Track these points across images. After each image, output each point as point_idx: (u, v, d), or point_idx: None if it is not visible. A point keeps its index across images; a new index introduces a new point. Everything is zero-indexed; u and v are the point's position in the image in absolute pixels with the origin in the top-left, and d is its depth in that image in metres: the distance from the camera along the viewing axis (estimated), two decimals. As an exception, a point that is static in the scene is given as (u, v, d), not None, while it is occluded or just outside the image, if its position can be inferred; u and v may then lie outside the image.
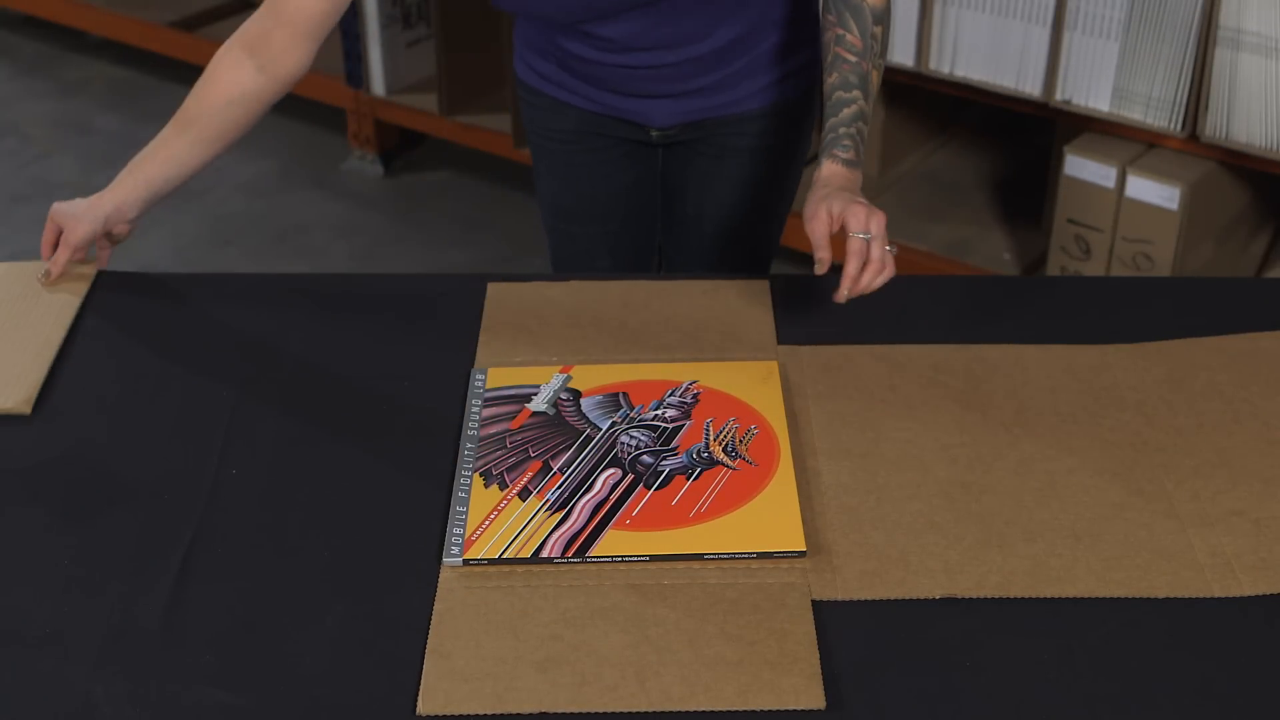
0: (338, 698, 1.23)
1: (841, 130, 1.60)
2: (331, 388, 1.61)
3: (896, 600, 1.33)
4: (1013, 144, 3.43)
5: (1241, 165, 2.72)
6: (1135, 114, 2.71)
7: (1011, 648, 1.28)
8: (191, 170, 1.73)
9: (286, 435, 1.54)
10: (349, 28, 3.69)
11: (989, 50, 2.81)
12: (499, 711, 1.22)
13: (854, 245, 1.52)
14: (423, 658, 1.27)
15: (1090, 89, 2.74)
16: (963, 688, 1.25)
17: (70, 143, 4.06)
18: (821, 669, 1.25)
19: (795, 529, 1.38)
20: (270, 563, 1.37)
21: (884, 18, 1.64)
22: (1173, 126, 2.68)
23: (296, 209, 3.74)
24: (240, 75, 1.70)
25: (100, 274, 1.80)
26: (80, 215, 1.73)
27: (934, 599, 1.33)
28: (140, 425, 1.55)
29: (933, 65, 2.88)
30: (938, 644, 1.29)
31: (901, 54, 2.90)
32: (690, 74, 1.82)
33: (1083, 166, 2.78)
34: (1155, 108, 2.69)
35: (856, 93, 1.61)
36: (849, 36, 1.62)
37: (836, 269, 1.54)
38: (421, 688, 1.23)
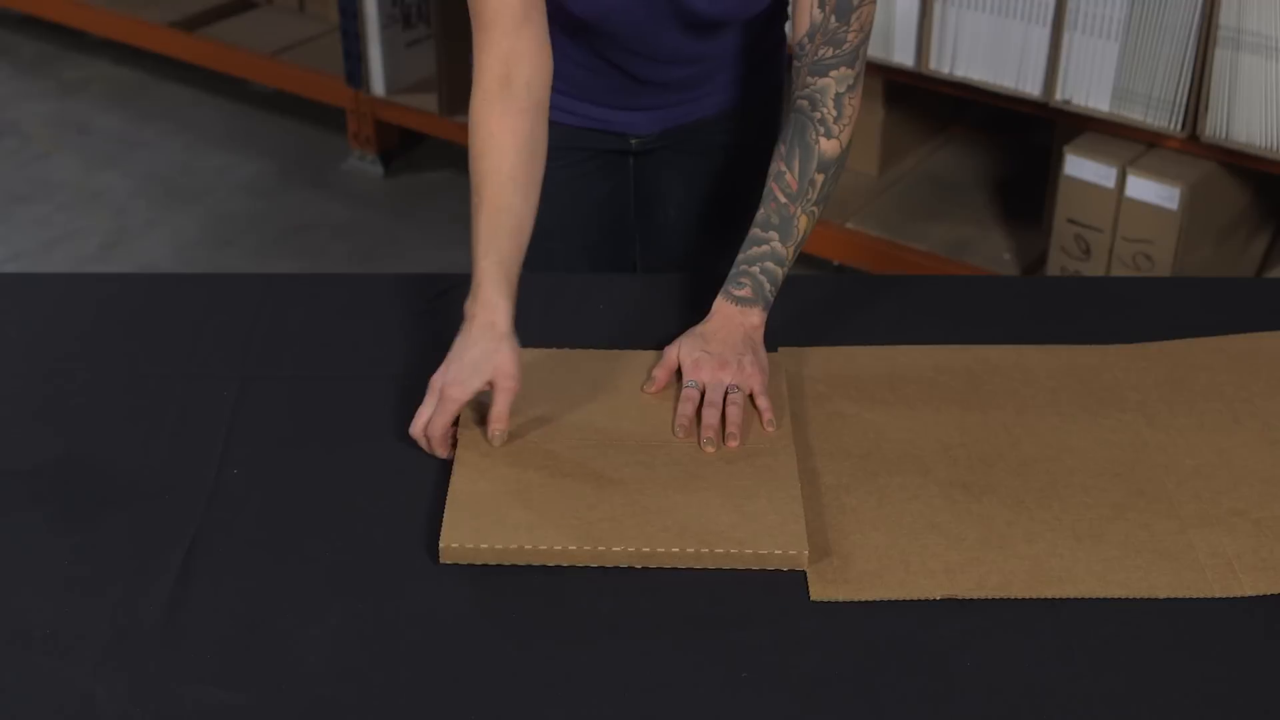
0: (338, 697, 1.24)
1: (743, 267, 1.59)
2: (331, 388, 1.61)
3: (896, 600, 1.33)
4: (1013, 144, 3.43)
5: (1241, 165, 2.72)
6: (1135, 114, 2.71)
7: (1011, 648, 1.29)
8: (529, 236, 1.56)
9: (286, 435, 1.54)
10: (349, 28, 3.70)
11: (989, 50, 2.81)
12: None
13: (684, 393, 1.53)
14: (422, 656, 1.27)
15: (1090, 89, 2.74)
16: (963, 688, 1.25)
17: (70, 143, 4.06)
18: (821, 668, 1.26)
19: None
20: (270, 563, 1.37)
21: (831, 166, 1.61)
22: (1173, 126, 2.68)
23: (296, 209, 3.74)
24: (516, 124, 1.54)
25: (101, 275, 1.79)
26: (510, 370, 1.47)
27: (936, 600, 1.33)
28: (140, 425, 1.55)
29: (933, 65, 2.88)
30: (938, 644, 1.29)
31: (901, 54, 2.90)
32: (693, 83, 1.82)
33: (1083, 166, 2.78)
34: (1155, 108, 2.69)
35: (772, 233, 1.59)
36: (788, 176, 1.60)
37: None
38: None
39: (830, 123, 1.60)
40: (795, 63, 1.63)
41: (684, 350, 1.56)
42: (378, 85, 3.74)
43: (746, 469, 1.45)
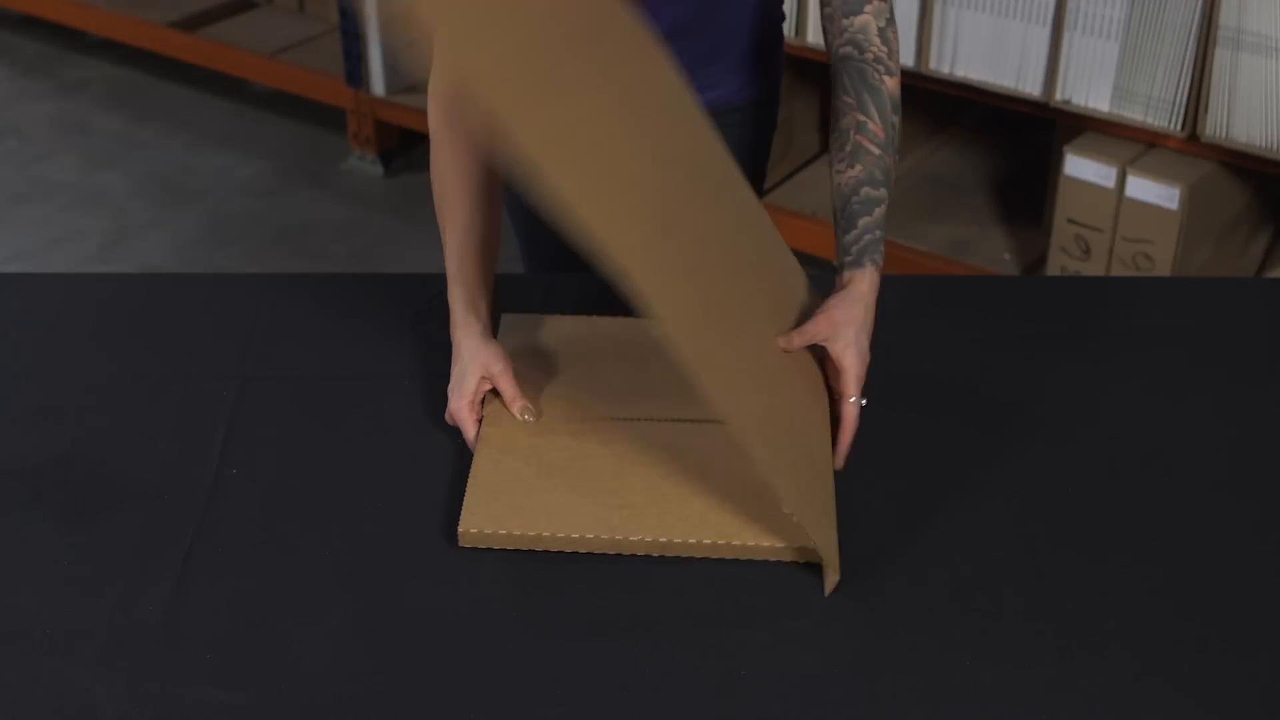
0: (338, 697, 1.24)
1: (878, 233, 1.50)
2: (331, 387, 1.61)
3: (896, 600, 1.33)
4: (1013, 144, 3.43)
5: (1241, 165, 2.72)
6: (1135, 114, 2.71)
7: (1012, 648, 1.29)
8: (495, 246, 1.59)
9: (287, 434, 1.54)
10: (349, 28, 3.70)
11: (989, 50, 2.81)
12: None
13: (850, 413, 1.46)
14: (422, 656, 1.27)
15: (1090, 89, 2.74)
16: (963, 688, 1.25)
17: (70, 143, 4.06)
18: (821, 668, 1.26)
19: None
20: (271, 562, 1.37)
21: (899, 106, 1.55)
22: (1173, 126, 2.68)
23: (296, 209, 3.74)
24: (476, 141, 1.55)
25: (101, 275, 1.79)
26: (494, 359, 1.51)
27: (936, 600, 1.33)
28: (140, 425, 1.55)
29: (933, 65, 2.89)
30: (938, 644, 1.29)
31: (901, 54, 2.89)
32: (685, 60, 1.82)
33: (1083, 166, 2.78)
34: (1155, 108, 2.69)
35: (883, 190, 1.51)
36: (870, 125, 1.52)
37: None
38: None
39: (885, 59, 1.54)
40: (824, 10, 1.58)
41: (849, 355, 1.45)
42: (378, 85, 3.74)
43: None
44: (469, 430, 1.48)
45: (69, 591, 1.34)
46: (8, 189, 3.82)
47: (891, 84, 1.55)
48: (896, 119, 1.54)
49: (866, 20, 1.55)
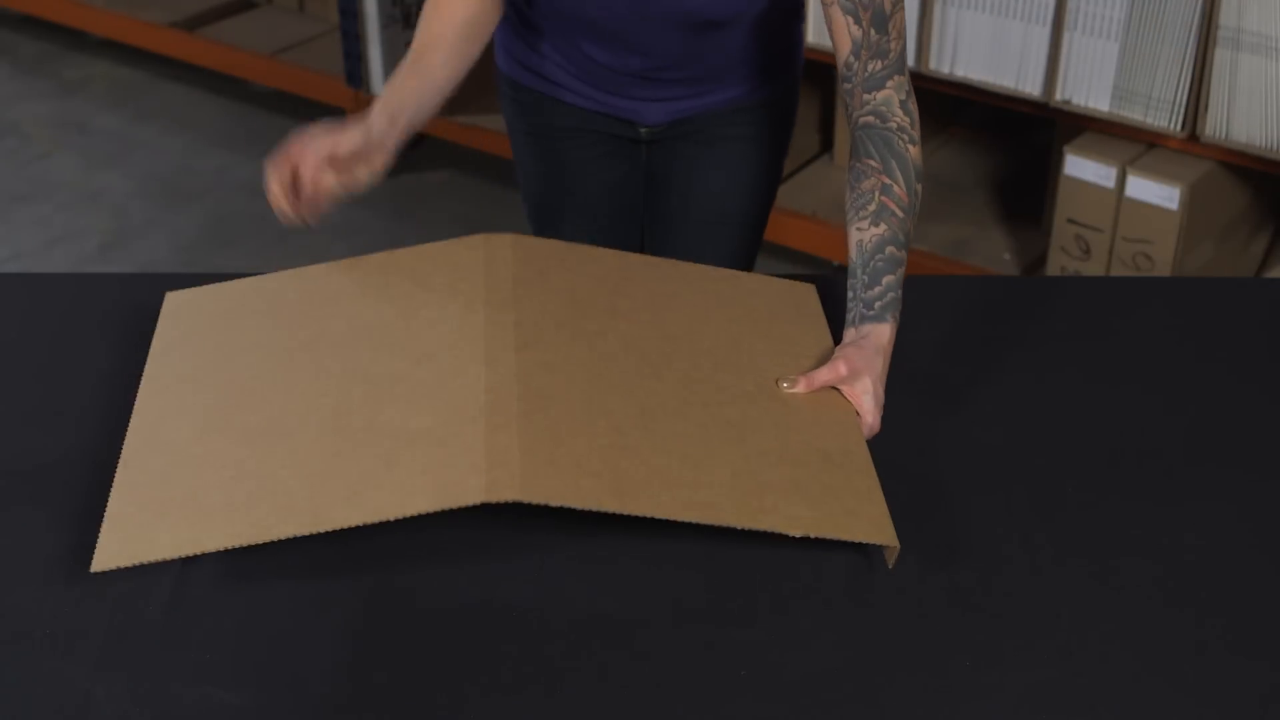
0: (338, 697, 1.24)
1: (900, 292, 1.52)
2: (332, 388, 1.61)
3: (896, 600, 1.33)
4: (1013, 144, 3.44)
5: (1241, 165, 2.72)
6: (1135, 114, 2.71)
7: (1012, 648, 1.29)
8: (432, 105, 1.69)
9: (287, 435, 1.54)
10: (349, 28, 3.70)
11: (989, 50, 2.82)
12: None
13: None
14: (422, 656, 1.27)
15: (1090, 89, 2.74)
16: (963, 688, 1.25)
17: (70, 142, 4.07)
18: (821, 668, 1.26)
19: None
20: (271, 561, 1.37)
21: (922, 174, 1.58)
22: (1173, 126, 2.69)
23: (296, 209, 3.74)
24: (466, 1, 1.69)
25: (102, 275, 1.79)
26: (327, 132, 1.62)
27: (936, 601, 1.33)
28: (140, 425, 1.55)
29: (933, 65, 2.89)
30: (938, 644, 1.29)
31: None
32: (699, 79, 1.84)
33: (1083, 166, 2.79)
34: (1155, 108, 2.69)
35: (904, 253, 1.54)
36: (896, 189, 1.55)
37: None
38: None
39: (909, 129, 1.58)
40: (844, 85, 1.60)
41: (865, 400, 1.46)
42: (378, 85, 3.74)
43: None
44: (271, 179, 1.64)
45: (69, 591, 1.34)
46: (8, 189, 3.83)
47: (915, 152, 1.58)
48: (919, 186, 1.57)
49: (889, 95, 1.58)
